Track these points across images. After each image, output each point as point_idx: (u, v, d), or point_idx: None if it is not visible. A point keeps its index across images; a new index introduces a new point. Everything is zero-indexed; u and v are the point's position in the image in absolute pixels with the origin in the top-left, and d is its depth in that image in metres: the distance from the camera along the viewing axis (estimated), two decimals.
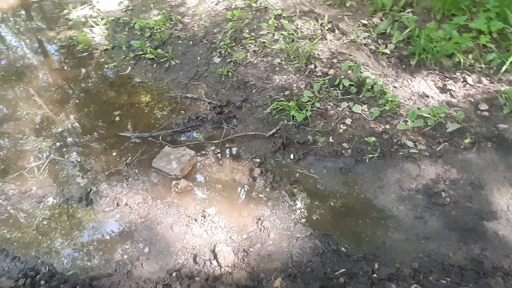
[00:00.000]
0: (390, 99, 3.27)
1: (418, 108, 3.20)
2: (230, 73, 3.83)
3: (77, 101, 3.70)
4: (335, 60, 3.77)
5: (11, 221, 2.65)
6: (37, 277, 2.27)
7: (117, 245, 2.49)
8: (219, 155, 3.14)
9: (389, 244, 2.41)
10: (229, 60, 3.97)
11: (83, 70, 4.14)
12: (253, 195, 2.80)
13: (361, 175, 2.89)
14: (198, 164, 3.05)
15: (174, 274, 2.25)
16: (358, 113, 3.31)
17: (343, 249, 2.40)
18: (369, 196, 2.75)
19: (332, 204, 2.72)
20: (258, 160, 3.06)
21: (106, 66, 4.15)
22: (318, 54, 3.84)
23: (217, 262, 2.33)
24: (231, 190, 2.85)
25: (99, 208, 2.72)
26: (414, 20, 3.75)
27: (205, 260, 2.35)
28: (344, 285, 2.09)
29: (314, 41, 3.85)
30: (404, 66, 3.66)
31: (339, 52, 3.84)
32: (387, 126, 3.18)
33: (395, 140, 3.06)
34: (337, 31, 4.07)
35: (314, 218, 2.63)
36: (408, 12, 3.93)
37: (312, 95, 3.43)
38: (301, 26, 4.16)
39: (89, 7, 5.09)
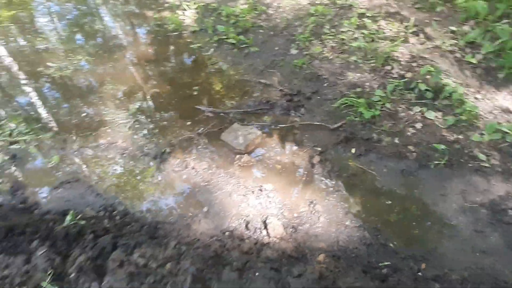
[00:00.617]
0: (468, 109, 3.13)
1: (499, 123, 3.02)
2: (304, 65, 3.95)
3: (163, 73, 4.11)
4: (414, 64, 3.68)
5: (99, 164, 3.09)
6: (114, 212, 2.63)
7: (181, 200, 2.78)
8: (283, 139, 3.29)
9: (441, 250, 2.35)
10: (306, 53, 4.09)
11: (172, 48, 4.57)
12: (309, 180, 2.91)
13: (423, 180, 2.83)
14: (262, 144, 3.23)
15: (227, 233, 2.45)
16: (430, 119, 3.22)
17: (392, 245, 2.40)
18: (428, 201, 2.69)
19: (387, 202, 2.71)
20: (319, 149, 3.15)
21: (192, 46, 4.52)
22: (397, 56, 3.79)
23: (267, 232, 2.49)
24: (289, 171, 2.98)
25: (170, 167, 3.03)
26: (509, 32, 3.51)
27: (256, 228, 2.52)
28: (386, 276, 2.10)
29: (395, 43, 3.80)
30: (490, 78, 3.46)
31: (420, 57, 3.75)
32: (460, 136, 3.05)
33: (466, 151, 2.93)
34: (421, 35, 3.97)
35: (366, 212, 2.65)
36: (504, 23, 3.68)
37: (384, 95, 3.41)
38: (384, 26, 4.12)
39: None
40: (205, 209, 2.69)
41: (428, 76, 3.44)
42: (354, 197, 2.78)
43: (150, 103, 3.72)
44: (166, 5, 5.37)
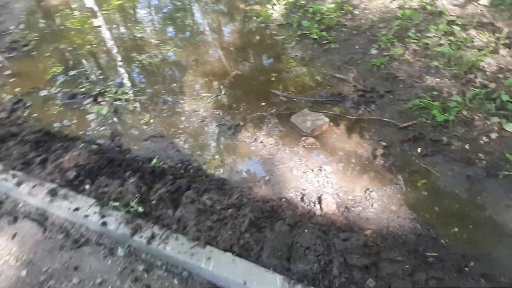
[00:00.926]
0: None
1: None
2: (383, 65, 4.01)
3: (247, 59, 4.49)
4: (500, 75, 3.54)
5: (181, 127, 3.54)
6: (189, 166, 3.03)
7: (247, 167, 3.08)
8: (349, 129, 3.41)
9: (495, 255, 2.30)
10: (386, 54, 4.15)
11: (257, 37, 4.94)
12: (369, 169, 3.00)
13: (489, 189, 2.75)
14: (329, 131, 3.40)
15: (283, 199, 2.68)
16: (508, 131, 3.09)
17: (443, 241, 2.41)
18: (490, 210, 2.62)
19: (446, 202, 2.70)
20: (384, 143, 3.21)
21: (275, 38, 4.84)
22: (483, 66, 3.67)
23: (320, 206, 2.66)
24: (350, 158, 3.11)
25: (241, 138, 3.36)
26: None
27: (310, 202, 2.71)
28: (431, 264, 2.14)
29: (483, 52, 3.68)
30: None
31: (508, 69, 3.58)
32: None
33: None
34: None
35: (422, 207, 2.68)
36: None
37: (462, 102, 3.35)
38: (473, 35, 4.00)
39: None
40: (267, 177, 2.96)
41: None
42: (411, 192, 2.81)
43: (232, 83, 4.10)
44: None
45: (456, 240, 2.43)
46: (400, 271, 1.91)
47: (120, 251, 2.19)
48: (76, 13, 5.76)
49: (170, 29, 5.30)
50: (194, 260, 1.94)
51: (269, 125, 3.49)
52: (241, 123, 3.52)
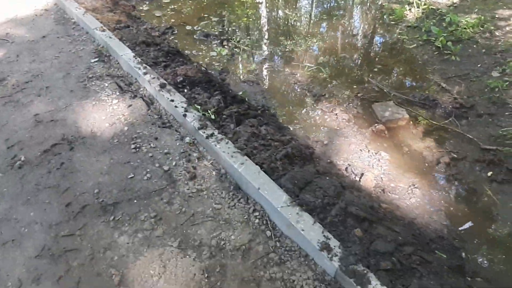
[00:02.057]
0: None
1: None
2: (497, 89, 3.74)
3: (361, 47, 4.69)
4: None
5: (275, 82, 4.05)
6: (267, 111, 3.53)
7: (313, 127, 3.42)
8: (426, 133, 3.39)
9: None
10: (507, 79, 3.83)
11: (381, 32, 5.04)
12: (424, 170, 3.01)
13: None
14: (405, 127, 3.44)
15: (328, 161, 2.96)
16: None
17: (463, 254, 2.37)
18: None
19: (491, 230, 2.58)
20: (455, 155, 3.13)
21: (399, 37, 4.87)
22: None
23: (359, 179, 2.86)
24: (411, 156, 3.15)
25: (320, 106, 3.69)
26: None
27: (352, 173, 2.92)
28: (430, 260, 2.18)
29: None
30: None
31: None
32: None
33: None
34: None
35: (460, 220, 2.62)
36: None
37: None
38: None
39: None
40: (325, 142, 3.25)
41: None
42: (458, 205, 2.75)
43: (337, 62, 4.39)
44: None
45: (492, 271, 2.35)
46: (391, 238, 2.05)
47: (187, 139, 2.85)
48: None
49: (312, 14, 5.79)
50: (232, 161, 2.45)
51: (351, 104, 3.72)
52: (326, 95, 3.83)
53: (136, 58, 3.52)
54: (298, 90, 3.92)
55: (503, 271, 2.32)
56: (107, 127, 3.01)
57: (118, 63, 3.74)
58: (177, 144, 2.84)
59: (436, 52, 4.47)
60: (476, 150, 3.18)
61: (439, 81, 4.03)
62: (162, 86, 3.16)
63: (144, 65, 3.44)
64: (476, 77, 4.00)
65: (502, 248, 2.45)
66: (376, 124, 3.43)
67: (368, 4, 5.89)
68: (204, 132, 2.69)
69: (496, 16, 4.84)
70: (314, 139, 3.26)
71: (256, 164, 2.43)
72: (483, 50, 4.34)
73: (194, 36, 4.83)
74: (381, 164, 3.04)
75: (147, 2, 5.63)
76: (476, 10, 5.04)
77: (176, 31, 4.91)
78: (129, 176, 2.57)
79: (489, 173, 2.95)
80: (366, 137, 3.33)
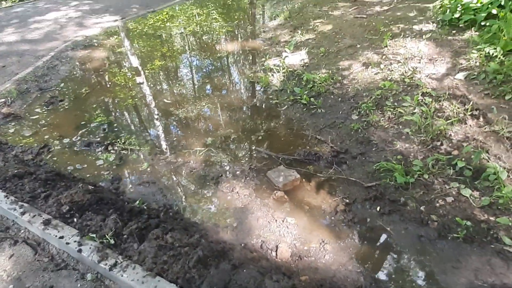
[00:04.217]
0: (509, 194, 3.14)
1: None
2: (360, 130, 4.42)
3: (241, 118, 5.07)
4: (465, 144, 3.81)
5: (171, 176, 4.04)
6: (169, 210, 3.46)
7: (220, 213, 3.46)
8: (318, 186, 3.75)
9: None
10: (364, 119, 4.57)
11: (254, 100, 5.57)
12: (328, 223, 3.29)
13: (439, 249, 2.94)
14: (299, 186, 3.75)
15: (242, 245, 3.01)
16: (465, 196, 3.30)
17: None
18: (437, 269, 2.79)
19: (394, 259, 2.90)
20: (347, 200, 3.51)
21: (271, 101, 5.44)
22: (450, 134, 3.97)
23: (276, 253, 2.95)
24: (313, 212, 3.42)
25: (221, 188, 3.79)
26: None
27: (268, 249, 3.01)
28: None
29: (450, 121, 4.01)
30: None
31: (474, 138, 3.86)
32: (491, 218, 3.07)
33: (492, 232, 2.95)
34: (481, 119, 4.07)
35: (370, 262, 2.89)
36: None
37: (423, 166, 3.63)
38: (445, 106, 4.35)
39: (278, 59, 6.67)
40: (235, 224, 3.32)
41: (472, 156, 3.54)
42: (364, 247, 3.05)
43: (224, 139, 4.64)
44: (262, 67, 6.54)
45: None
46: None
47: (89, 276, 2.58)
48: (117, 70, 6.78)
49: (181, 88, 6.09)
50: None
51: (247, 178, 3.91)
52: (223, 175, 3.97)
53: (8, 198, 3.14)
54: (196, 178, 3.98)
55: None
56: None
57: None
58: (78, 285, 2.55)
59: (305, 109, 5.11)
60: (361, 189, 3.63)
61: (314, 134, 4.57)
62: (47, 223, 2.86)
63: (20, 203, 3.08)
64: (341, 123, 4.67)
65: (412, 275, 2.76)
66: (275, 191, 3.66)
67: (237, 76, 6.50)
68: (106, 264, 2.49)
69: (340, 67, 5.83)
70: (223, 226, 3.29)
71: (171, 281, 2.32)
72: (339, 99, 5.14)
73: (75, 149, 4.57)
74: (291, 230, 3.21)
75: (12, 124, 5.17)
76: (323, 65, 6.00)
77: (52, 148, 4.58)
78: None
79: (378, 208, 3.38)
80: (270, 207, 3.51)
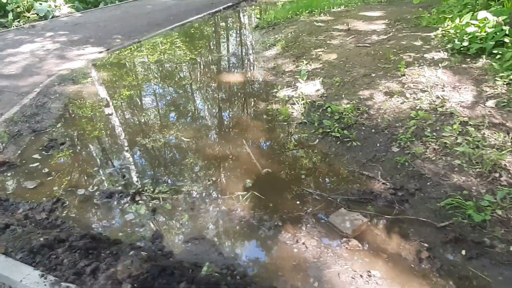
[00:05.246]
0: None
1: None
2: (407, 163, 4.23)
3: (275, 156, 4.72)
4: None
5: (221, 226, 3.56)
6: (234, 272, 2.98)
7: (293, 272, 3.04)
8: (388, 229, 3.46)
9: None
10: (408, 152, 4.40)
11: (281, 135, 5.26)
12: (417, 274, 2.97)
13: None
14: (368, 231, 3.44)
15: None
16: None
17: None
18: None
19: None
20: (426, 245, 3.24)
21: (298, 135, 5.16)
22: (505, 164, 3.89)
23: None
24: (395, 262, 3.10)
25: (282, 239, 3.37)
26: None
27: None
28: None
29: (503, 152, 3.93)
30: None
31: None
32: None
33: None
34: None
35: None
36: None
37: (494, 201, 3.47)
38: (488, 135, 4.31)
39: (291, 90, 6.47)
40: (315, 284, 2.91)
41: None
42: None
43: (264, 181, 4.24)
44: (276, 99, 6.29)
45: None
46: None
47: None
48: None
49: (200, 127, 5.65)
50: None
51: (308, 225, 3.54)
52: (277, 223, 3.56)
53: (46, 278, 2.51)
54: (249, 228, 3.53)
55: None
56: None
57: None
58: None
59: (338, 142, 4.88)
60: (435, 231, 3.38)
61: (359, 169, 4.32)
62: None
63: (63, 284, 2.47)
64: (383, 157, 4.47)
65: None
66: (345, 239, 3.31)
67: (254, 109, 6.19)
68: None
69: (361, 97, 5.72)
70: (303, 286, 2.87)
71: None
72: (372, 131, 4.97)
73: (94, 201, 3.96)
74: (380, 286, 2.86)
75: (9, 174, 4.43)
76: (343, 96, 5.86)
77: (66, 203, 3.93)
78: None
79: (463, 252, 3.13)
80: (346, 259, 3.14)
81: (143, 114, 6.08)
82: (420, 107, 5.09)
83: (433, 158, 4.24)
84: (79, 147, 5.07)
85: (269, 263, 3.15)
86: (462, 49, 6.08)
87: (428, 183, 3.95)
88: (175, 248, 3.31)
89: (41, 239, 2.91)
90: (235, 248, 3.32)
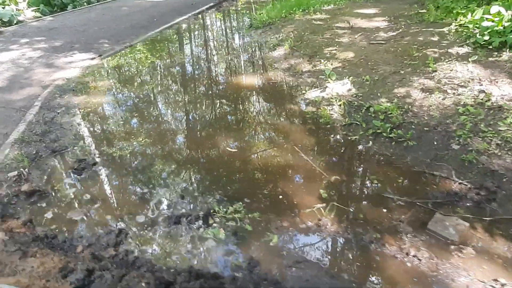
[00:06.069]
0: None
1: None
2: (475, 160, 4.17)
3: (335, 159, 4.48)
4: None
5: (316, 245, 3.26)
6: None
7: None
8: (489, 232, 3.35)
9: None
10: (470, 149, 4.35)
11: (331, 138, 5.03)
12: None
13: None
14: (470, 235, 3.30)
15: None
16: None
17: None
18: None
19: None
20: None
21: (348, 137, 4.95)
22: None
23: None
24: None
25: (389, 252, 3.14)
26: None
27: None
28: None
29: None
30: None
31: None
32: None
33: None
34: None
35: None
36: None
37: None
38: None
39: (319, 90, 6.26)
40: None
41: None
42: None
43: (336, 188, 3.99)
44: (307, 101, 6.04)
45: None
46: None
47: None
48: None
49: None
50: None
51: (408, 234, 3.34)
52: (378, 235, 3.33)
53: None
54: (350, 244, 3.27)
55: None
56: None
57: None
58: None
59: (393, 142, 4.74)
60: None
61: (428, 170, 4.20)
62: None
63: None
64: (446, 155, 4.39)
65: None
66: (454, 247, 3.15)
67: (291, 113, 5.90)
68: None
69: (398, 95, 5.63)
70: None
71: None
72: (424, 129, 4.88)
73: (162, 228, 3.49)
74: None
75: (43, 205, 3.80)
76: (379, 94, 5.75)
77: (128, 232, 3.42)
78: None
79: None
80: (465, 269, 2.98)
81: (177, 124, 5.58)
82: (464, 102, 5.09)
83: (499, 154, 4.21)
84: (113, 166, 4.50)
85: (389, 281, 2.91)
86: (484, 43, 6.20)
87: (505, 180, 3.91)
88: (280, 275, 2.96)
89: (143, 284, 2.44)
90: (345, 269, 3.04)
